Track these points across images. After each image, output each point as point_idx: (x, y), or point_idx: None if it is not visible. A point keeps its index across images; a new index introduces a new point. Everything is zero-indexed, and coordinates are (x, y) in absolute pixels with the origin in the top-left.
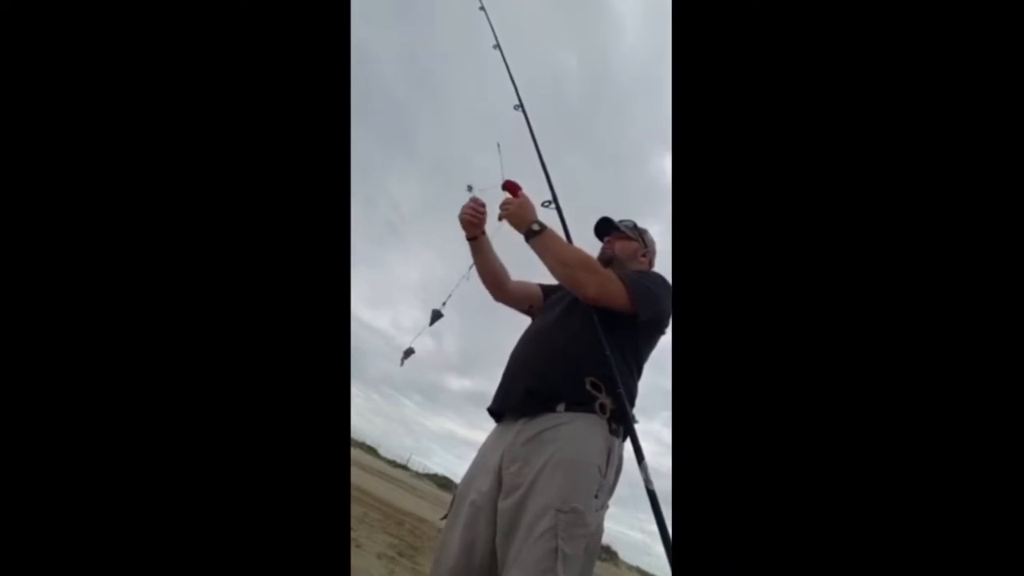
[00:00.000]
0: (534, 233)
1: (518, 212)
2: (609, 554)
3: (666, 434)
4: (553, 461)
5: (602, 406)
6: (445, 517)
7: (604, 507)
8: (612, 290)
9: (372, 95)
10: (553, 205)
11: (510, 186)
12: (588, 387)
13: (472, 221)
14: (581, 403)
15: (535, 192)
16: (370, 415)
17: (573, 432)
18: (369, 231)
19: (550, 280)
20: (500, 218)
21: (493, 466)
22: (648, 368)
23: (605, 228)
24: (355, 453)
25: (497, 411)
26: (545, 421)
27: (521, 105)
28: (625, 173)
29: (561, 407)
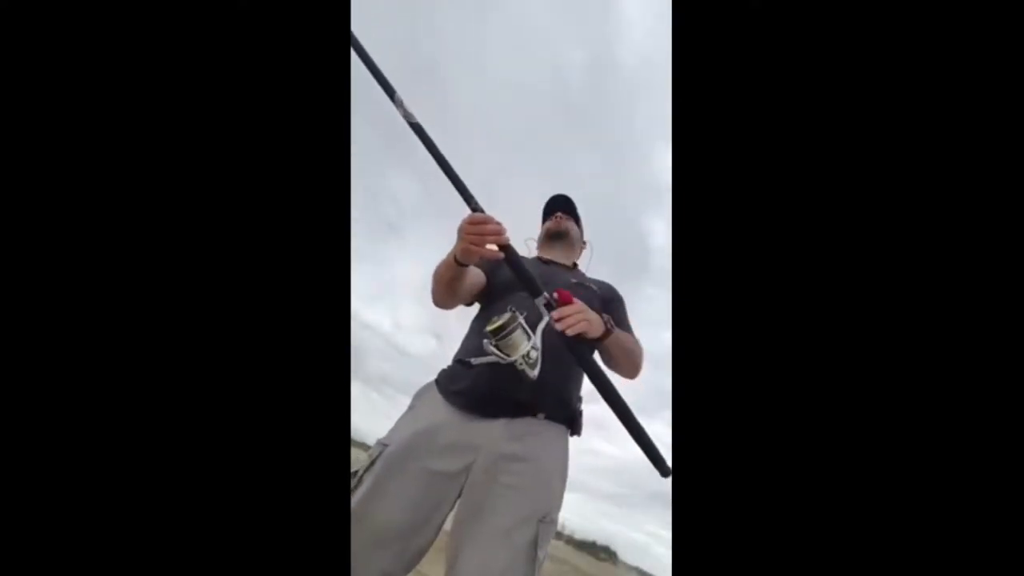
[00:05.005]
0: (609, 333)
1: (593, 319)
2: (608, 554)
3: (666, 434)
4: (539, 467)
5: (573, 423)
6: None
7: None
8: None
9: (371, 88)
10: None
11: (564, 295)
12: (576, 405)
13: (480, 248)
14: (558, 416)
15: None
16: (370, 415)
17: (554, 441)
18: (369, 228)
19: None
20: (568, 332)
21: (460, 440)
22: (648, 368)
23: (562, 206)
24: (355, 453)
25: (468, 405)
26: (527, 424)
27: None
28: (627, 168)
29: (541, 415)
